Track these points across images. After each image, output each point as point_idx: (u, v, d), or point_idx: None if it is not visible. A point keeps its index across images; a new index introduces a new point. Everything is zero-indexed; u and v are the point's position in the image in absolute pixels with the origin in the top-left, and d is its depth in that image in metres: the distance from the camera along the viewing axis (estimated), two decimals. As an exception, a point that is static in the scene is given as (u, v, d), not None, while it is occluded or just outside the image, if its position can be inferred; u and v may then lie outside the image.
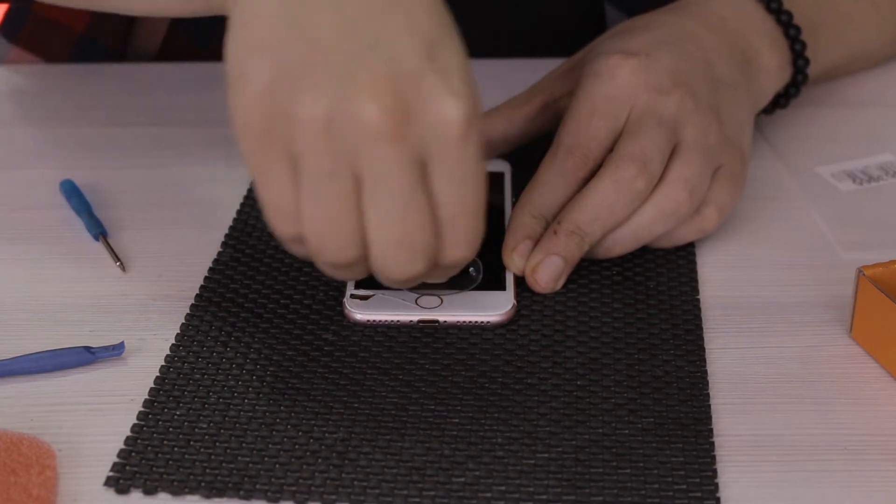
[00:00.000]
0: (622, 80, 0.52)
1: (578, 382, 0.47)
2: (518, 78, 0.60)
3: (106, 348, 0.48)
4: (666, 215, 0.51)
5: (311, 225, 0.42)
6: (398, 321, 0.49)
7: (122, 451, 0.44)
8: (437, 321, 0.49)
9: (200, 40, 0.71)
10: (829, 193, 0.60)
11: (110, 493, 0.42)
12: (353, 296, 0.50)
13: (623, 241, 0.52)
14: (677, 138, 0.52)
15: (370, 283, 0.51)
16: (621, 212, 0.51)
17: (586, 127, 0.52)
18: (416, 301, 0.50)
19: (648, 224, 0.51)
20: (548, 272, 0.50)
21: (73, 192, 0.58)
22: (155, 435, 0.44)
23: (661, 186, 0.51)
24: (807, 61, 0.59)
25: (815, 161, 0.62)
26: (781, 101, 0.60)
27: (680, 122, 0.52)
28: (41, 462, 0.43)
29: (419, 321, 0.49)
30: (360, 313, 0.49)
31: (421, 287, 0.50)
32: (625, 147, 0.51)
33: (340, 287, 0.52)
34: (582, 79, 0.53)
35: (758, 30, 0.58)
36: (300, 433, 0.44)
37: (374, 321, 0.49)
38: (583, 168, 0.51)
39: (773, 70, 0.58)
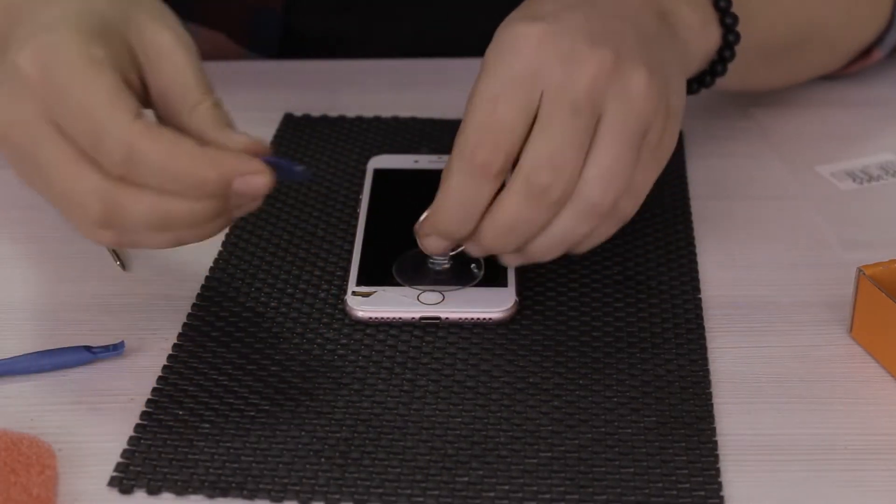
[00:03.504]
0: (528, 53, 0.46)
1: (581, 381, 0.47)
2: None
3: (106, 348, 0.48)
4: (586, 218, 0.47)
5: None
6: (400, 318, 0.49)
7: (125, 451, 0.44)
8: (438, 318, 0.49)
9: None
10: (829, 193, 0.60)
11: (110, 493, 0.42)
12: (354, 293, 0.50)
13: (543, 250, 0.48)
14: (598, 114, 0.46)
15: (371, 279, 0.51)
16: (538, 223, 0.46)
17: (491, 114, 0.46)
18: (417, 297, 0.50)
19: (571, 229, 0.47)
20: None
21: (72, 192, 0.58)
22: (158, 435, 0.44)
23: (579, 186, 0.46)
24: (735, 18, 0.54)
25: (815, 161, 0.62)
26: (718, 67, 0.55)
27: (599, 95, 0.46)
28: (41, 462, 0.43)
29: (421, 318, 0.49)
30: (361, 310, 0.49)
31: (423, 283, 0.50)
32: (536, 149, 0.46)
33: (341, 285, 0.52)
34: (485, 55, 0.47)
35: None
36: (303, 433, 0.44)
37: (375, 318, 0.49)
38: (495, 164, 0.46)
39: (696, 27, 0.52)
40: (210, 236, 0.46)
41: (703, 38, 0.53)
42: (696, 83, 0.56)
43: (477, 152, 0.46)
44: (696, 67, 0.54)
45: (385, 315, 0.49)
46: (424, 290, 0.50)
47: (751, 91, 0.65)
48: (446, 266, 0.51)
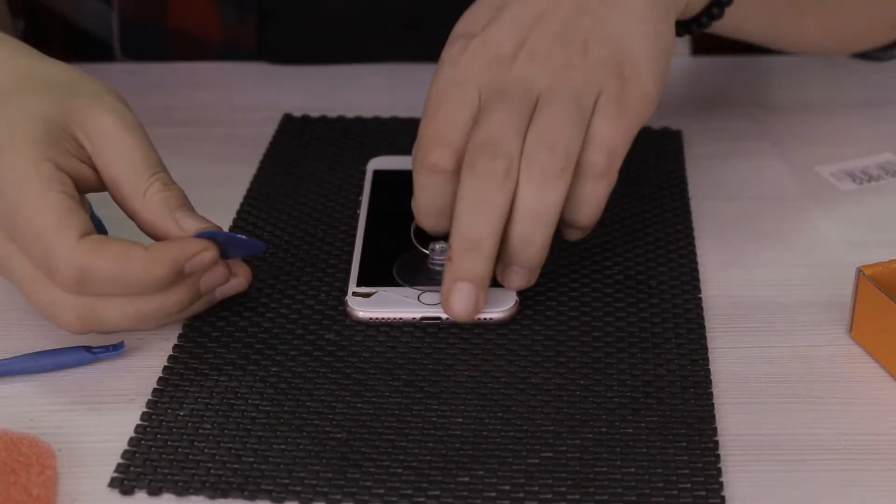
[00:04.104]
0: (463, 63, 0.50)
1: (581, 382, 0.47)
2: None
3: (106, 348, 0.48)
4: (543, 181, 0.47)
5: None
6: (401, 318, 0.49)
7: (125, 451, 0.44)
8: (439, 318, 0.49)
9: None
10: (829, 193, 0.60)
11: (110, 493, 0.42)
12: (354, 293, 0.50)
13: (529, 230, 0.48)
14: (534, 95, 0.49)
15: (372, 280, 0.51)
16: (499, 200, 0.47)
17: (435, 115, 0.49)
18: (418, 298, 0.50)
19: (535, 198, 0.47)
20: (460, 302, 0.48)
21: (72, 192, 0.58)
22: (158, 435, 0.44)
23: (524, 158, 0.47)
24: None
25: (815, 161, 0.62)
26: None
27: (530, 80, 0.49)
28: (41, 462, 0.42)
29: (422, 318, 0.49)
30: (362, 311, 0.49)
31: (423, 284, 0.50)
32: (473, 138, 0.48)
33: (342, 286, 0.52)
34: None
35: None
36: (303, 434, 0.44)
37: (376, 319, 0.49)
38: (444, 161, 0.48)
39: None
40: (196, 312, 0.49)
41: None
42: (705, 16, 0.56)
43: (429, 154, 0.49)
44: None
45: (386, 316, 0.49)
46: (425, 291, 0.50)
47: (785, 47, 0.64)
48: None
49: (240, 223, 0.57)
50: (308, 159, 0.62)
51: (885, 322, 0.47)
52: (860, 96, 0.67)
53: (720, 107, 0.67)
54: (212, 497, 0.42)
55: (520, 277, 0.49)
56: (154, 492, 0.42)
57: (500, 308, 0.49)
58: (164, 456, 0.43)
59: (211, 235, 0.47)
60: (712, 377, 0.47)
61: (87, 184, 0.49)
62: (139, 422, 0.45)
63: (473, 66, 0.50)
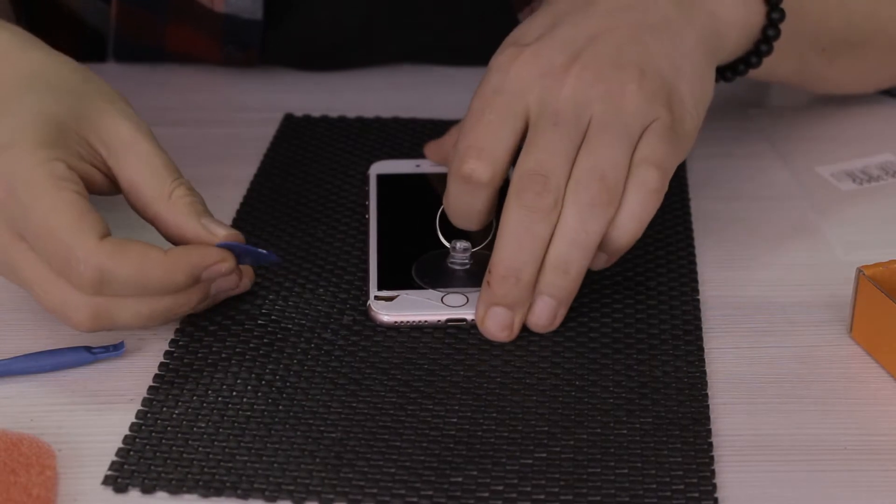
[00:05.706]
0: (512, 72, 0.49)
1: (577, 382, 0.47)
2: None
3: (106, 348, 0.48)
4: (590, 209, 0.47)
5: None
6: (426, 321, 0.49)
7: (120, 449, 0.44)
8: (464, 320, 0.49)
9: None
10: (829, 193, 0.60)
11: (110, 493, 0.42)
12: (377, 297, 0.50)
13: (567, 256, 0.47)
14: (586, 119, 0.48)
15: (391, 283, 0.50)
16: (543, 231, 0.47)
17: (477, 124, 0.48)
18: (441, 300, 0.49)
19: (579, 225, 0.47)
20: (496, 325, 0.48)
21: (73, 193, 0.58)
22: (153, 434, 0.44)
23: (571, 184, 0.47)
24: None
25: (815, 161, 0.62)
26: (763, 46, 0.54)
27: (582, 102, 0.48)
28: (41, 462, 0.43)
29: (447, 320, 0.49)
30: (386, 315, 0.49)
31: (443, 285, 0.50)
32: (523, 163, 0.47)
33: (340, 285, 0.52)
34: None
35: None
36: (298, 433, 0.44)
37: (401, 322, 0.49)
38: (479, 172, 0.48)
39: (731, 3, 0.52)
40: (200, 311, 0.49)
41: (743, 14, 0.53)
42: (743, 64, 0.55)
43: (465, 163, 0.48)
44: (735, 46, 0.54)
45: (410, 319, 0.49)
46: (448, 293, 0.50)
47: (815, 89, 0.64)
48: (466, 266, 0.51)
49: (240, 223, 0.57)
50: (309, 159, 0.62)
51: (885, 322, 0.47)
52: (860, 96, 0.67)
53: (720, 107, 0.66)
54: (205, 496, 0.42)
55: (547, 311, 0.48)
56: (148, 490, 0.42)
57: None
58: (158, 454, 0.43)
59: (232, 247, 0.47)
60: (712, 378, 0.47)
61: (94, 188, 0.48)
62: (134, 420, 0.45)
63: (524, 76, 0.48)
